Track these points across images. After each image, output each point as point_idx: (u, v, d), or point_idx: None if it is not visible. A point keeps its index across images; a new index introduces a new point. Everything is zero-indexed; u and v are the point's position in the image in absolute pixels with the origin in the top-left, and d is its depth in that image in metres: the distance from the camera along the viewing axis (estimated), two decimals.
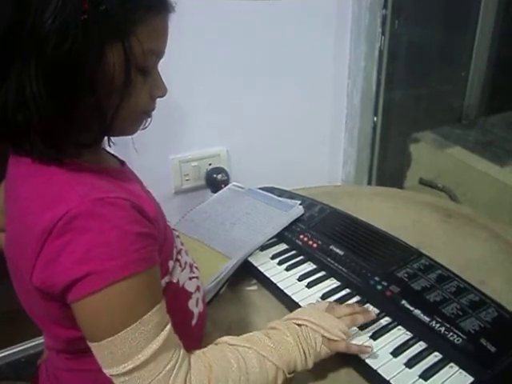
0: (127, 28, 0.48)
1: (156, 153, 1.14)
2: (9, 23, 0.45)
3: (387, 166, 1.50)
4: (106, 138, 0.56)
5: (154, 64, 0.54)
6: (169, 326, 0.51)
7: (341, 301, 0.76)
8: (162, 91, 0.56)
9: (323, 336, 0.61)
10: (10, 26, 0.45)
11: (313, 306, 0.67)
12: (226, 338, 0.58)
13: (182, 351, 0.52)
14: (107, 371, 0.49)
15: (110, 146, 0.57)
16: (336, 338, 0.61)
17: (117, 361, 0.48)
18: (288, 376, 0.58)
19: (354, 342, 0.67)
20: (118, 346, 0.48)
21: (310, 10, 1.20)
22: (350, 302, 0.76)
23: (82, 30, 0.45)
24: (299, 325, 0.61)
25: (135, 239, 0.48)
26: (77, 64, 0.46)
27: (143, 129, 0.58)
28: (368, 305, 0.75)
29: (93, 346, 0.49)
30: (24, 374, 1.27)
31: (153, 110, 0.56)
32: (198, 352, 0.56)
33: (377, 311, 0.73)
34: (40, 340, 1.30)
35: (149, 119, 0.58)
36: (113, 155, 0.62)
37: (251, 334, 0.60)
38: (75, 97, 0.48)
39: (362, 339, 0.68)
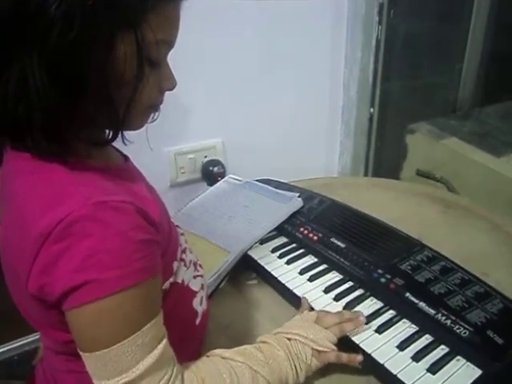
0: (139, 16, 0.45)
1: (151, 145, 1.12)
2: (9, 7, 0.42)
3: (384, 157, 1.50)
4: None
5: (165, 55, 0.51)
6: (165, 340, 0.49)
7: (344, 294, 0.75)
8: (172, 84, 0.53)
9: (313, 349, 0.61)
10: (10, 10, 0.42)
11: (301, 317, 0.66)
12: (218, 351, 0.58)
13: (177, 366, 0.51)
14: (97, 382, 0.47)
15: (125, 144, 0.54)
16: (326, 350, 0.61)
17: (110, 374, 0.46)
18: None
19: (359, 335, 0.66)
20: (112, 359, 0.45)
21: (306, 1, 1.18)
22: (353, 295, 0.75)
23: (89, 17, 0.42)
24: (289, 339, 0.61)
25: (138, 247, 0.46)
26: (83, 54, 0.43)
27: (151, 122, 0.55)
28: (371, 298, 0.74)
29: (85, 356, 0.47)
30: (17, 372, 1.24)
31: (161, 103, 0.54)
32: (191, 366, 0.54)
33: (381, 304, 0.72)
34: (34, 337, 1.28)
35: (156, 113, 0.55)
36: (117, 150, 0.60)
37: (244, 347, 0.59)
38: (81, 90, 0.44)
39: (367, 333, 0.67)
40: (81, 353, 0.47)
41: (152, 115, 0.55)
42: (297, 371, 0.59)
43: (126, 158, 0.60)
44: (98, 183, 0.48)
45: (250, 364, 0.56)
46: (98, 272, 0.44)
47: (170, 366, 0.49)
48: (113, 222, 0.44)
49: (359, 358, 0.63)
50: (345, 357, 0.63)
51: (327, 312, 0.68)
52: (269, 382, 0.56)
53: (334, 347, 0.62)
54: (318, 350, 0.61)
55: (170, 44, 0.50)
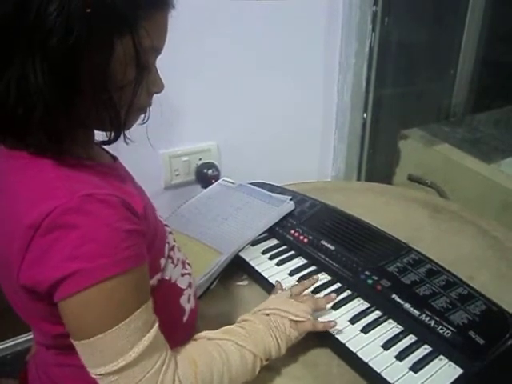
0: (134, 22, 0.47)
1: (145, 147, 1.13)
2: (10, 12, 0.44)
3: (376, 162, 1.51)
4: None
5: (154, 60, 0.54)
6: (157, 325, 0.51)
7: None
8: (160, 87, 0.56)
9: (290, 320, 0.64)
10: (11, 15, 0.44)
11: (276, 296, 0.71)
12: (203, 334, 0.61)
13: (169, 350, 0.53)
14: (94, 371, 0.49)
15: (127, 143, 0.55)
16: (302, 319, 0.65)
17: (106, 359, 0.47)
18: (264, 363, 0.61)
19: (345, 335, 0.68)
20: (108, 344, 0.47)
21: (301, 7, 1.20)
22: (341, 295, 0.76)
23: (87, 23, 0.44)
24: (267, 314, 0.65)
25: (125, 237, 0.48)
26: (83, 57, 0.45)
27: (142, 124, 0.58)
28: (359, 299, 0.76)
29: (80, 344, 0.48)
30: (10, 370, 1.25)
31: (149, 106, 0.57)
32: (181, 350, 0.57)
33: (367, 305, 0.74)
34: (27, 337, 1.29)
35: (145, 114, 0.58)
36: (105, 150, 0.62)
37: (226, 327, 0.63)
38: (81, 91, 0.46)
39: (353, 333, 0.69)
40: (76, 342, 0.49)
41: (141, 117, 0.57)
42: (278, 342, 0.62)
43: (114, 158, 0.63)
44: (84, 178, 0.50)
45: (234, 340, 0.59)
46: (87, 261, 0.45)
47: (164, 350, 0.52)
48: (99, 213, 0.46)
49: (332, 323, 0.68)
50: (320, 325, 0.67)
51: (300, 286, 0.73)
52: (254, 355, 0.59)
53: (310, 317, 0.66)
54: (295, 321, 0.64)
55: (159, 50, 0.53)
